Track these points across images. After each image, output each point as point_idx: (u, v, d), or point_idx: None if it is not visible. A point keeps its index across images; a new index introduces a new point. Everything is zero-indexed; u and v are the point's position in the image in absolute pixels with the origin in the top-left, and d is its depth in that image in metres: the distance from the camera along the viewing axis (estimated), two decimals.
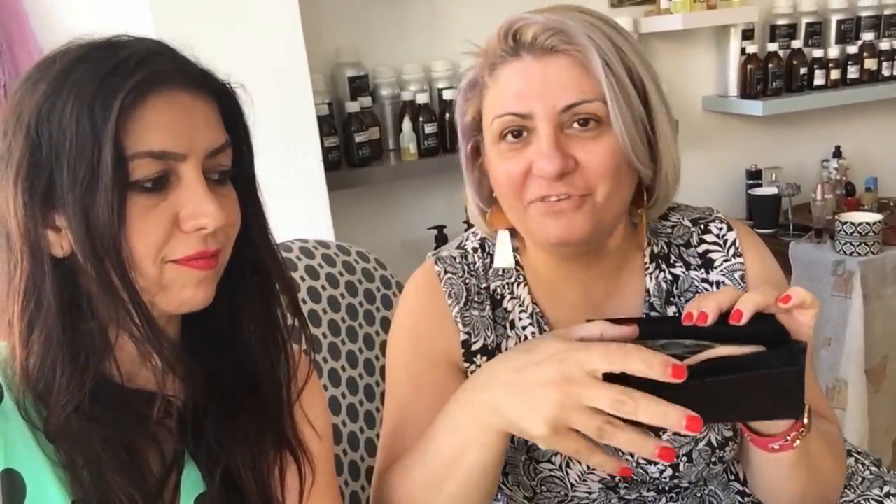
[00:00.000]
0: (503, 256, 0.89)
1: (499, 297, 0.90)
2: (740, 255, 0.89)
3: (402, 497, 0.80)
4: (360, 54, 2.04)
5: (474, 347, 0.89)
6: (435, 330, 0.89)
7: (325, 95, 1.95)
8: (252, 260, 0.71)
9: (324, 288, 1.18)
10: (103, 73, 0.60)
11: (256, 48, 1.55)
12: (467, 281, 0.90)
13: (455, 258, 0.92)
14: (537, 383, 0.65)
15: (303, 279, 1.16)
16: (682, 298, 0.89)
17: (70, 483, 0.63)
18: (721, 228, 0.91)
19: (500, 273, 0.90)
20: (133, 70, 0.60)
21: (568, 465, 0.86)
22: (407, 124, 1.98)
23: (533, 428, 0.65)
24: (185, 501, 0.69)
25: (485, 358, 0.88)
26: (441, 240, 2.05)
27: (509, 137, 0.78)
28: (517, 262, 0.90)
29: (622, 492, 0.89)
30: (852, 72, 2.46)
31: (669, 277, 0.89)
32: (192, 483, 0.70)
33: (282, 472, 0.75)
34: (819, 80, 2.44)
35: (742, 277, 0.88)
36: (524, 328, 0.89)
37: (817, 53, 2.43)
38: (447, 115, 2.02)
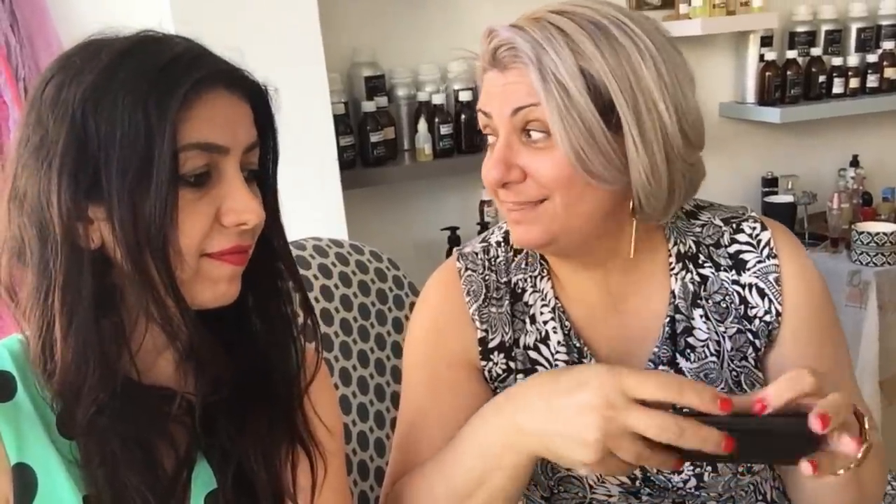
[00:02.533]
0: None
1: (519, 290, 0.90)
2: (775, 257, 0.86)
3: None
4: (377, 54, 2.05)
5: (491, 345, 0.88)
6: (452, 329, 0.89)
7: (342, 95, 1.95)
8: (266, 258, 0.72)
9: (336, 287, 1.18)
10: (157, 68, 0.60)
11: (275, 47, 1.55)
12: (487, 277, 0.90)
13: (477, 253, 0.92)
14: (577, 407, 0.65)
15: (316, 277, 1.16)
16: (709, 301, 0.87)
17: (83, 479, 0.63)
18: (754, 228, 0.88)
19: (524, 266, 0.90)
20: (188, 67, 0.61)
21: None
22: (422, 125, 1.98)
23: (580, 455, 0.65)
24: (195, 499, 0.69)
25: (501, 355, 0.88)
26: (454, 241, 2.05)
27: (489, 138, 0.82)
28: (542, 256, 0.89)
29: (644, 498, 0.87)
30: (871, 80, 2.44)
31: (697, 279, 0.87)
32: (203, 480, 0.70)
33: (293, 468, 0.75)
34: (838, 88, 2.42)
35: (777, 280, 0.85)
36: (545, 323, 0.88)
37: (836, 61, 2.42)
38: (462, 117, 2.02)
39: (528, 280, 0.90)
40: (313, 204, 1.68)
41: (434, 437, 0.85)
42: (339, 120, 1.84)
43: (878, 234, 2.01)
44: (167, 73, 0.60)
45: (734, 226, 0.89)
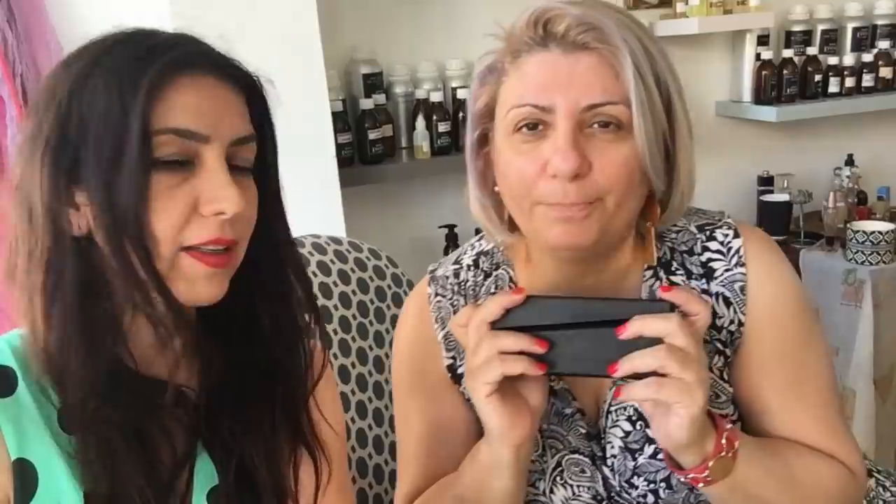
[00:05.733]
0: None
1: None
2: (743, 265, 0.82)
3: None
4: (376, 52, 2.05)
5: (459, 370, 0.87)
6: (429, 357, 0.89)
7: (340, 92, 1.95)
8: (270, 256, 0.72)
9: (335, 284, 1.19)
10: (136, 54, 0.61)
11: (273, 44, 1.55)
12: (455, 302, 0.88)
13: (448, 277, 0.90)
14: (466, 375, 0.73)
15: (314, 275, 1.16)
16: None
17: (81, 472, 0.63)
18: (727, 235, 0.84)
19: (493, 291, 0.88)
20: (164, 51, 0.62)
21: (552, 491, 0.84)
22: (420, 122, 1.98)
23: (477, 401, 0.72)
24: (197, 495, 0.69)
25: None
26: (451, 239, 2.06)
27: (524, 130, 0.74)
28: (511, 279, 0.87)
29: None
30: (867, 80, 2.45)
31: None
32: (205, 476, 0.70)
33: (295, 467, 0.75)
34: (834, 87, 2.43)
35: (742, 289, 0.82)
36: None
37: (832, 60, 2.42)
38: (461, 114, 2.01)
39: None
40: (311, 201, 1.68)
41: (448, 450, 0.87)
42: (337, 117, 1.83)
43: (873, 232, 2.02)
44: (145, 57, 0.61)
45: (708, 233, 0.84)
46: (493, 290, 0.88)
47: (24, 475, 0.62)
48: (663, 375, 0.67)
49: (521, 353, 0.70)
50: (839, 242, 2.16)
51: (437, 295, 0.89)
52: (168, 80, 0.61)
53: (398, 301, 1.25)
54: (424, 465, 0.88)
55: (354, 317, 1.19)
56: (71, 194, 0.61)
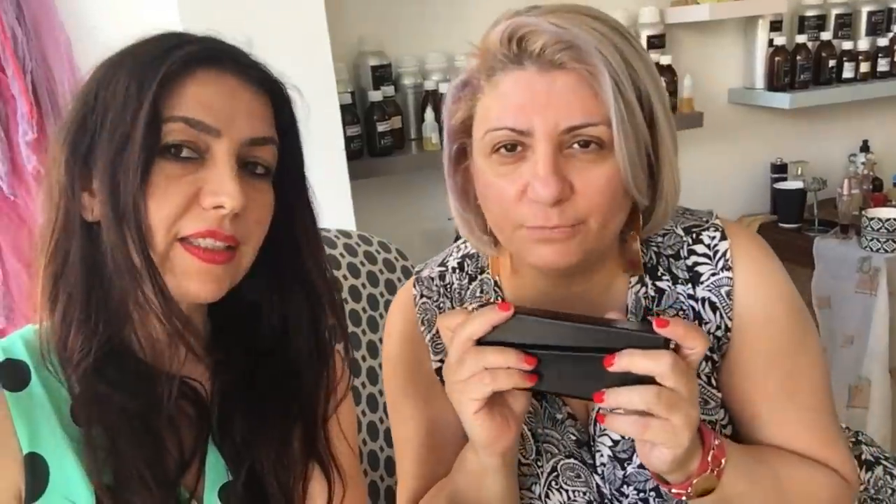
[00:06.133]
0: None
1: None
2: (730, 269, 0.79)
3: None
4: (384, 43, 2.04)
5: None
6: (418, 359, 0.89)
7: (348, 84, 1.95)
8: (298, 268, 0.72)
9: (345, 277, 1.18)
10: (162, 47, 0.63)
11: (281, 36, 1.55)
12: (441, 304, 0.88)
13: (433, 278, 0.89)
14: (449, 387, 0.71)
15: (329, 267, 1.16)
16: (664, 315, 0.81)
17: (87, 462, 0.63)
18: (714, 238, 0.81)
19: (479, 294, 0.87)
20: (187, 45, 0.64)
21: (548, 496, 0.84)
22: (429, 114, 1.98)
23: (465, 420, 0.70)
24: (209, 491, 0.70)
25: None
26: None
27: (502, 151, 0.72)
28: (496, 283, 0.86)
29: None
30: (882, 65, 2.42)
31: (652, 293, 0.82)
32: (216, 474, 0.70)
33: (306, 480, 0.75)
34: (848, 72, 2.40)
35: (728, 294, 0.80)
36: None
37: (847, 46, 2.39)
38: None
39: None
40: (321, 194, 1.67)
41: (444, 451, 0.86)
42: (345, 110, 1.83)
43: (888, 220, 2.00)
44: (169, 49, 0.63)
45: (694, 235, 0.82)
46: (478, 294, 0.87)
47: (36, 469, 0.63)
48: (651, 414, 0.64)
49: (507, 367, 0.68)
50: (854, 230, 2.14)
51: (422, 296, 0.89)
52: (187, 71, 0.63)
53: None
54: (424, 467, 0.88)
55: (364, 310, 1.19)
56: (86, 178, 0.63)
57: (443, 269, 0.90)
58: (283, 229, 0.71)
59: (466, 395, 0.69)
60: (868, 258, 2.02)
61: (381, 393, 1.18)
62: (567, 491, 0.83)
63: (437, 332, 0.85)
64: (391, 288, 1.23)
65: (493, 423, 0.70)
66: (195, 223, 0.63)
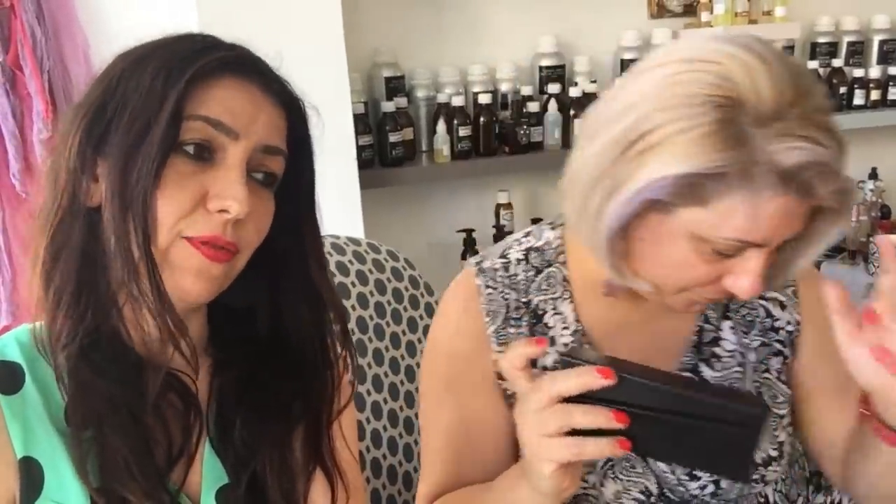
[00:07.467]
0: None
1: (540, 311, 0.88)
2: None
3: None
4: (398, 55, 2.05)
5: None
6: (475, 352, 0.87)
7: (362, 94, 1.96)
8: (305, 282, 0.72)
9: (353, 284, 1.19)
10: (192, 48, 0.64)
11: (298, 46, 1.56)
12: (507, 296, 0.88)
13: (497, 269, 0.89)
14: (526, 432, 0.66)
15: (332, 275, 1.17)
16: (738, 313, 0.88)
17: (73, 457, 0.62)
18: None
19: (544, 287, 0.88)
20: (218, 50, 0.64)
21: (602, 484, 0.84)
22: (441, 126, 1.99)
23: (539, 477, 0.66)
24: (206, 492, 0.69)
25: None
26: (469, 244, 2.05)
27: (719, 253, 0.71)
28: (564, 278, 0.88)
29: None
30: (893, 93, 2.42)
31: None
32: (214, 475, 0.70)
33: (308, 484, 0.75)
34: (859, 99, 2.40)
35: (794, 292, 0.89)
36: (565, 345, 0.87)
37: (858, 73, 2.40)
38: (482, 119, 2.02)
39: (549, 302, 0.88)
40: (331, 202, 1.68)
41: (478, 451, 0.86)
42: (358, 119, 1.84)
43: None
44: (199, 51, 0.64)
45: None
46: (543, 287, 0.88)
47: (30, 473, 0.62)
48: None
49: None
50: (862, 256, 2.14)
51: (486, 287, 0.88)
52: (214, 75, 0.63)
53: (415, 303, 1.25)
54: (450, 464, 0.88)
55: (371, 317, 1.20)
56: (94, 164, 0.63)
57: (505, 260, 0.90)
58: (291, 239, 0.71)
59: (546, 454, 0.64)
60: (875, 285, 2.02)
61: (385, 401, 1.18)
62: (622, 480, 0.84)
63: (503, 323, 0.87)
64: (398, 296, 1.24)
65: (565, 477, 0.66)
66: (200, 226, 0.63)
